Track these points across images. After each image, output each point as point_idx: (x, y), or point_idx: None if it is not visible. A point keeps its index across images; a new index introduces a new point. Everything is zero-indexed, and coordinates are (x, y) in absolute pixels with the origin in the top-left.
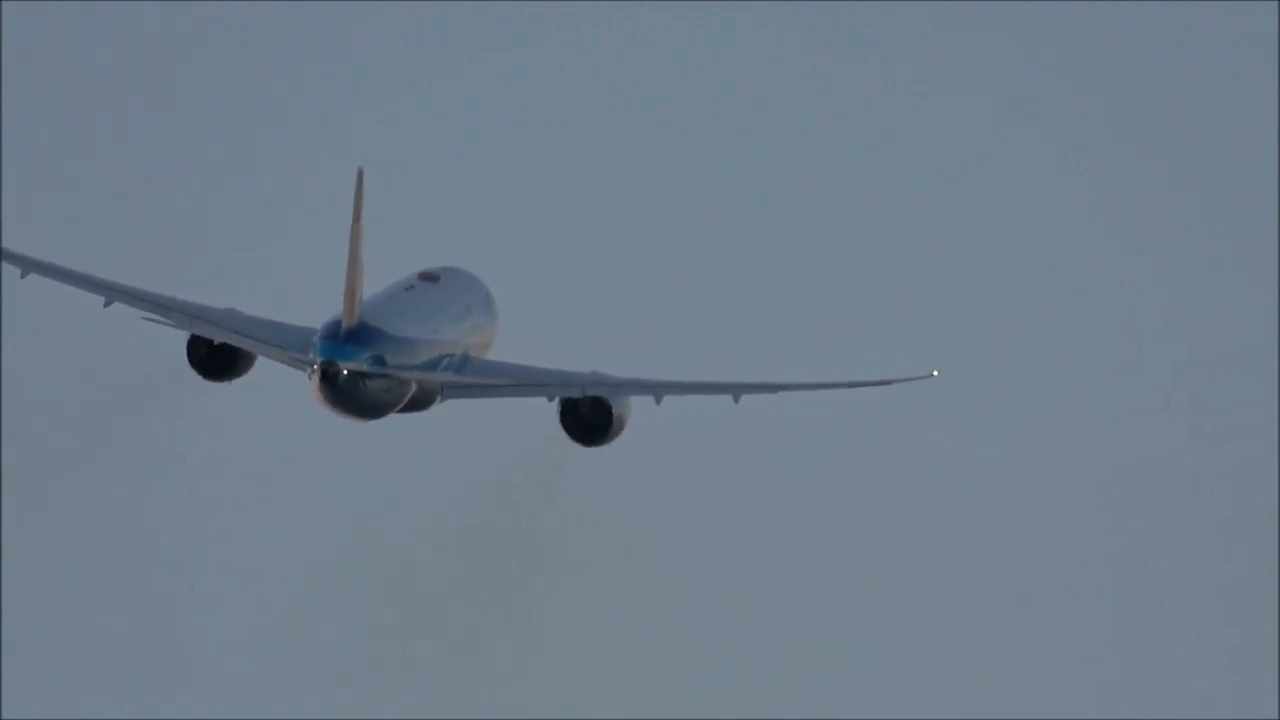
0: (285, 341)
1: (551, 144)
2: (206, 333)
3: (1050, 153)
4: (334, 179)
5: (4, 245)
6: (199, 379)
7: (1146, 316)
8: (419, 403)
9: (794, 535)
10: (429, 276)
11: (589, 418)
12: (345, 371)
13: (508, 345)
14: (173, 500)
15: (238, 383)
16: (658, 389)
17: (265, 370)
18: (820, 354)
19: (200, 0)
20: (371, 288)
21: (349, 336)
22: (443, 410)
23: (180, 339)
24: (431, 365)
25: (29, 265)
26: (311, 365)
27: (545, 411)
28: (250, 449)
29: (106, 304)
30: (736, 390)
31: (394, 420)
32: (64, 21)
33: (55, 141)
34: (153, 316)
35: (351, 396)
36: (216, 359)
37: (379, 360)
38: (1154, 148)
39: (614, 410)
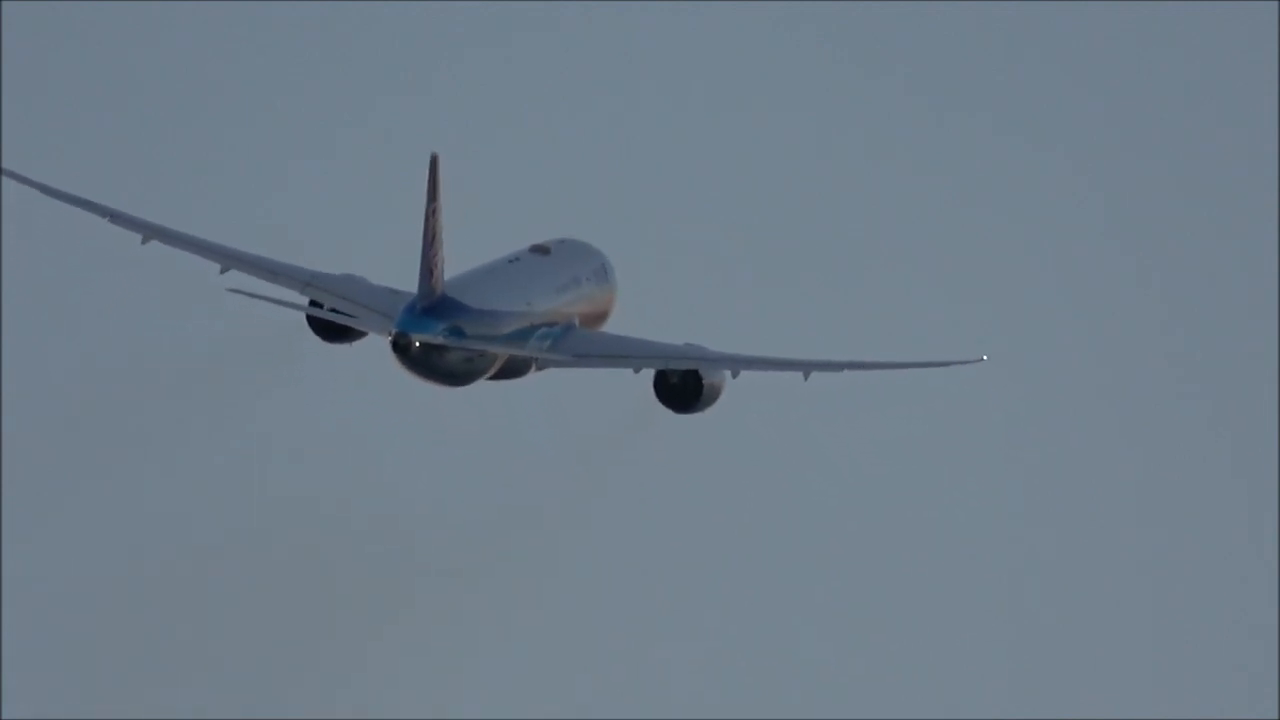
0: (394, 310)
1: (641, 122)
2: (319, 298)
3: (1065, 157)
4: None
5: (122, 211)
6: (319, 342)
7: (1155, 317)
8: (513, 371)
9: (825, 514)
10: (540, 249)
11: (679, 387)
12: (417, 343)
13: (618, 315)
14: (244, 465)
15: (358, 345)
16: (734, 364)
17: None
18: (877, 334)
19: None
20: (479, 260)
21: (427, 309)
22: (537, 379)
23: (300, 303)
24: (523, 336)
25: (148, 231)
26: (388, 336)
27: (639, 381)
28: (336, 411)
29: (223, 270)
30: (806, 367)
31: (483, 388)
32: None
33: (172, 111)
34: (265, 295)
35: (427, 366)
36: (334, 323)
37: (456, 332)
38: (1154, 147)
39: (704, 380)
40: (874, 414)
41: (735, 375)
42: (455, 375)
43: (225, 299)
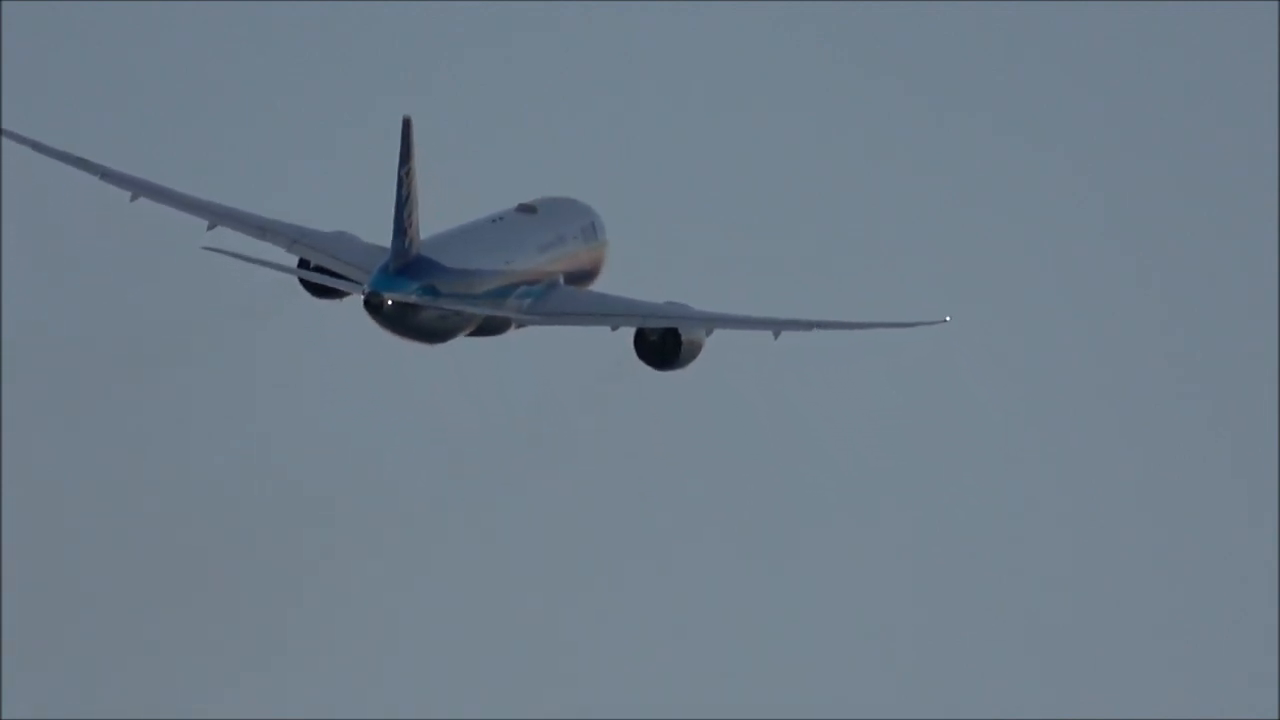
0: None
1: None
2: (307, 255)
3: (1065, 157)
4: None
5: (110, 167)
6: (308, 297)
7: (1155, 318)
8: (493, 328)
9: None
10: (526, 208)
11: (658, 345)
12: (390, 302)
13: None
14: (234, 412)
15: (346, 302)
16: (709, 322)
17: None
18: (847, 294)
19: None
20: (462, 219)
21: (401, 269)
22: (516, 336)
23: (280, 261)
24: (502, 294)
25: (136, 188)
26: (362, 294)
27: (617, 337)
28: (314, 365)
29: (211, 227)
30: (777, 327)
31: (462, 344)
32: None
33: (159, 66)
34: (255, 259)
35: (401, 324)
36: (326, 274)
37: (429, 291)
38: (1154, 147)
39: (683, 338)
40: (845, 373)
41: (709, 333)
42: (431, 333)
43: (212, 256)
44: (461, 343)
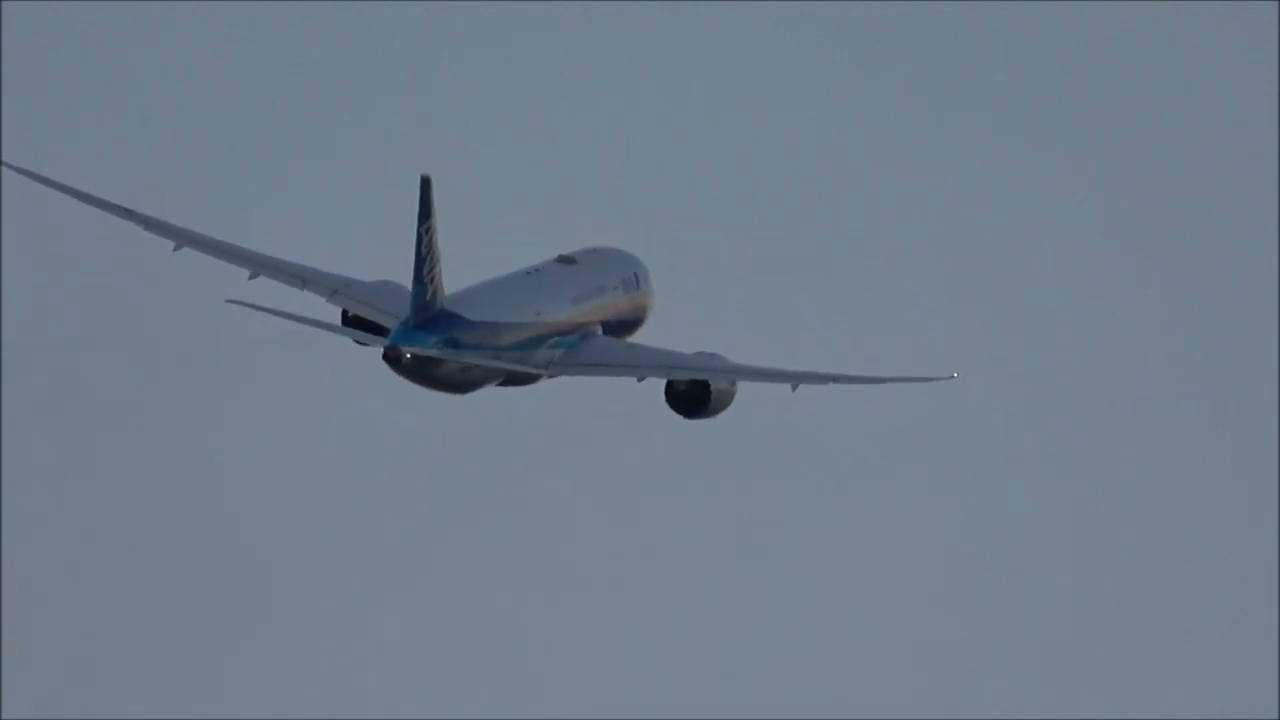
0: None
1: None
2: (347, 306)
3: (1065, 157)
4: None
5: (156, 218)
6: (353, 344)
7: (1156, 318)
8: (522, 379)
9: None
10: (566, 259)
11: (686, 394)
12: (408, 355)
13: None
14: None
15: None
16: (731, 374)
17: None
18: (858, 347)
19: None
20: (501, 270)
21: (422, 323)
22: (546, 386)
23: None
24: (531, 346)
25: (180, 238)
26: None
27: (646, 389)
28: (334, 417)
29: (252, 277)
30: (795, 379)
31: (489, 395)
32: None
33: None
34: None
35: (422, 376)
36: (366, 324)
37: (451, 343)
38: (1153, 147)
39: (712, 387)
40: (862, 424)
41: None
42: (454, 385)
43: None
44: (490, 393)
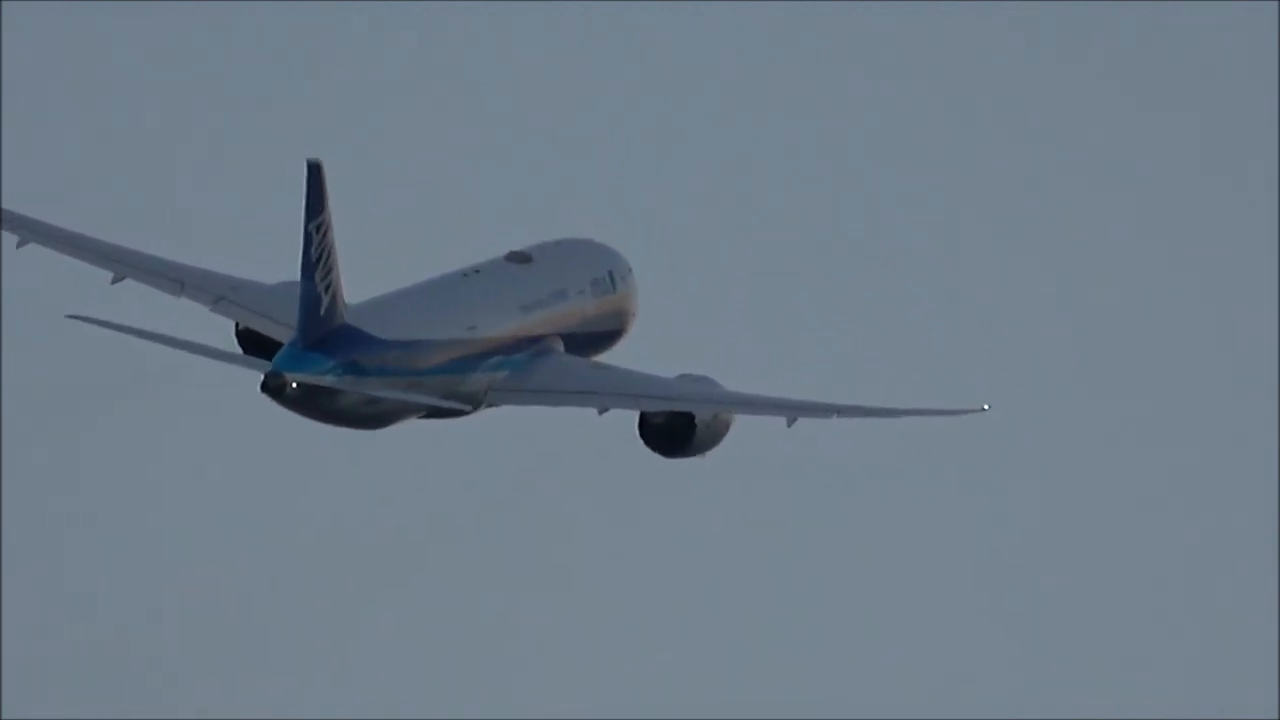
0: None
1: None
2: (235, 316)
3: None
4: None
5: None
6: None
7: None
8: (453, 408)
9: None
10: (519, 257)
11: (664, 426)
12: (293, 385)
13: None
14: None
15: None
16: (714, 405)
17: None
18: (874, 378)
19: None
20: (429, 274)
21: (314, 343)
22: (485, 417)
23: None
24: (461, 367)
25: (24, 229)
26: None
27: (613, 421)
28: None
29: (116, 280)
30: (793, 412)
31: (410, 428)
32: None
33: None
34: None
35: (316, 411)
36: (263, 342)
37: (353, 369)
38: (1154, 147)
39: (698, 420)
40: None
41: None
42: (359, 419)
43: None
44: (411, 426)
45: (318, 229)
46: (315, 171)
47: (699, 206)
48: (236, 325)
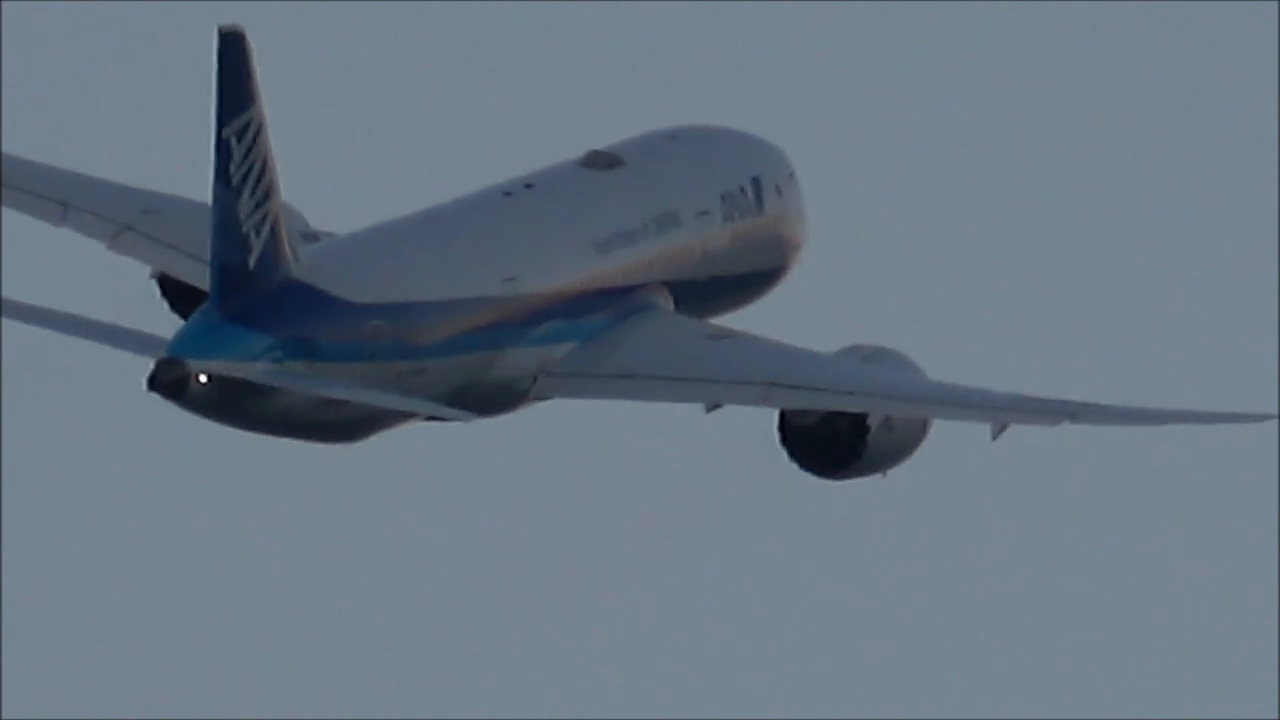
0: None
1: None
2: (150, 256)
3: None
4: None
5: None
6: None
7: None
8: (496, 405)
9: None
10: (600, 159)
11: (816, 431)
12: (199, 379)
13: None
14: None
15: None
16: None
17: None
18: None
19: None
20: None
21: (239, 310)
22: (526, 418)
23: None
24: (489, 343)
25: None
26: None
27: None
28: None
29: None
30: (1019, 416)
31: (402, 437)
32: None
33: None
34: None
35: (241, 417)
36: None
37: (299, 349)
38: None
39: (870, 425)
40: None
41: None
42: (317, 428)
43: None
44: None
45: (239, 136)
46: (233, 45)
47: (885, 114)
48: (152, 271)
